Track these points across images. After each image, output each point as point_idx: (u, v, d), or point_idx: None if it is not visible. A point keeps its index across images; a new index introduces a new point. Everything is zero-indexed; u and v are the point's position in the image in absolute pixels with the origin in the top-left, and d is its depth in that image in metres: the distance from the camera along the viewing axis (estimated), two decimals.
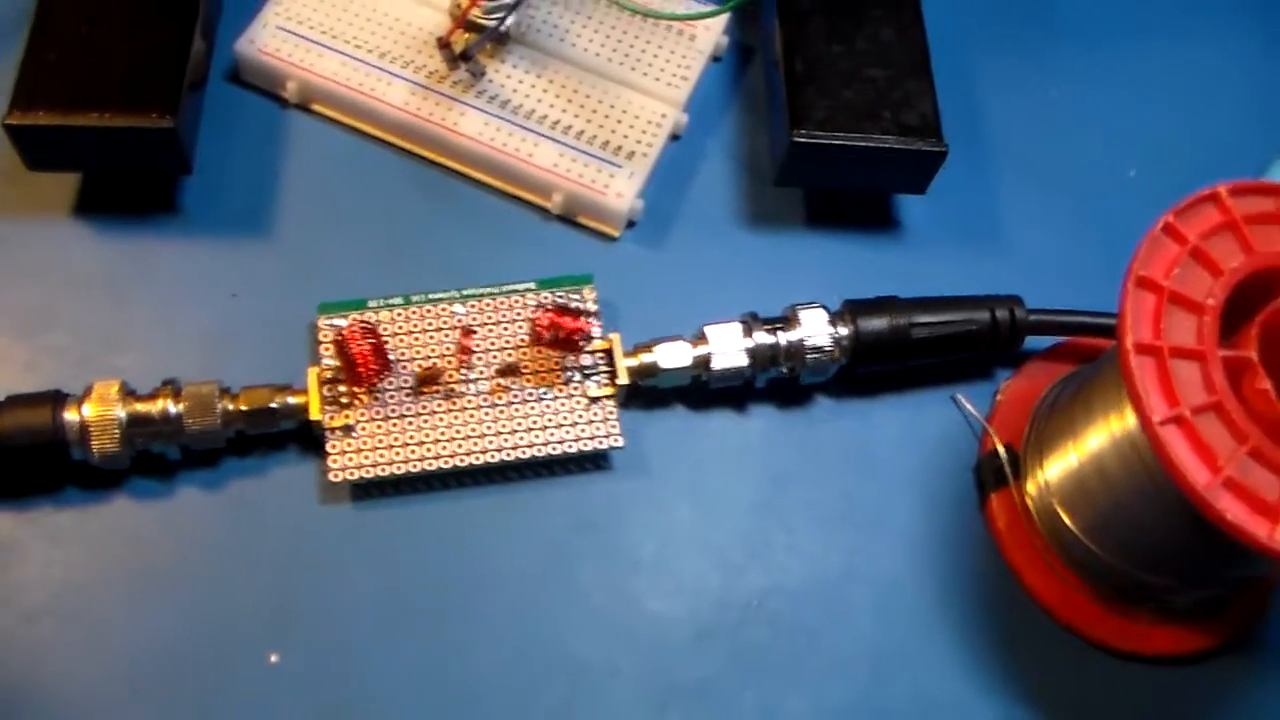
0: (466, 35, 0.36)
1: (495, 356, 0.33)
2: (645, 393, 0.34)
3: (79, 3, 0.34)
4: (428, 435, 0.32)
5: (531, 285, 0.34)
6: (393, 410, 0.32)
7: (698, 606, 0.32)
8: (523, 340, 0.33)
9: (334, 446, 0.32)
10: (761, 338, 0.33)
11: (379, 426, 0.32)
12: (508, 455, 0.32)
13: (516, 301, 0.34)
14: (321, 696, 0.30)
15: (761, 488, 0.34)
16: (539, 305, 0.33)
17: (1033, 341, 0.36)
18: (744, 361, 0.33)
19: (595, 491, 0.33)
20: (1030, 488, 0.33)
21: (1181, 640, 0.33)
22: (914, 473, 0.34)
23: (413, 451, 0.32)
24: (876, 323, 0.34)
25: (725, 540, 0.33)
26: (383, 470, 0.32)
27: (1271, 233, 0.29)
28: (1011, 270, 0.37)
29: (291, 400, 0.32)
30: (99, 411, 0.31)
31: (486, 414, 0.32)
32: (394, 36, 0.38)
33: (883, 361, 0.34)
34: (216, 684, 0.30)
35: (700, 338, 0.33)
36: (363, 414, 0.32)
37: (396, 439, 0.32)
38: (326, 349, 0.33)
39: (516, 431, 0.32)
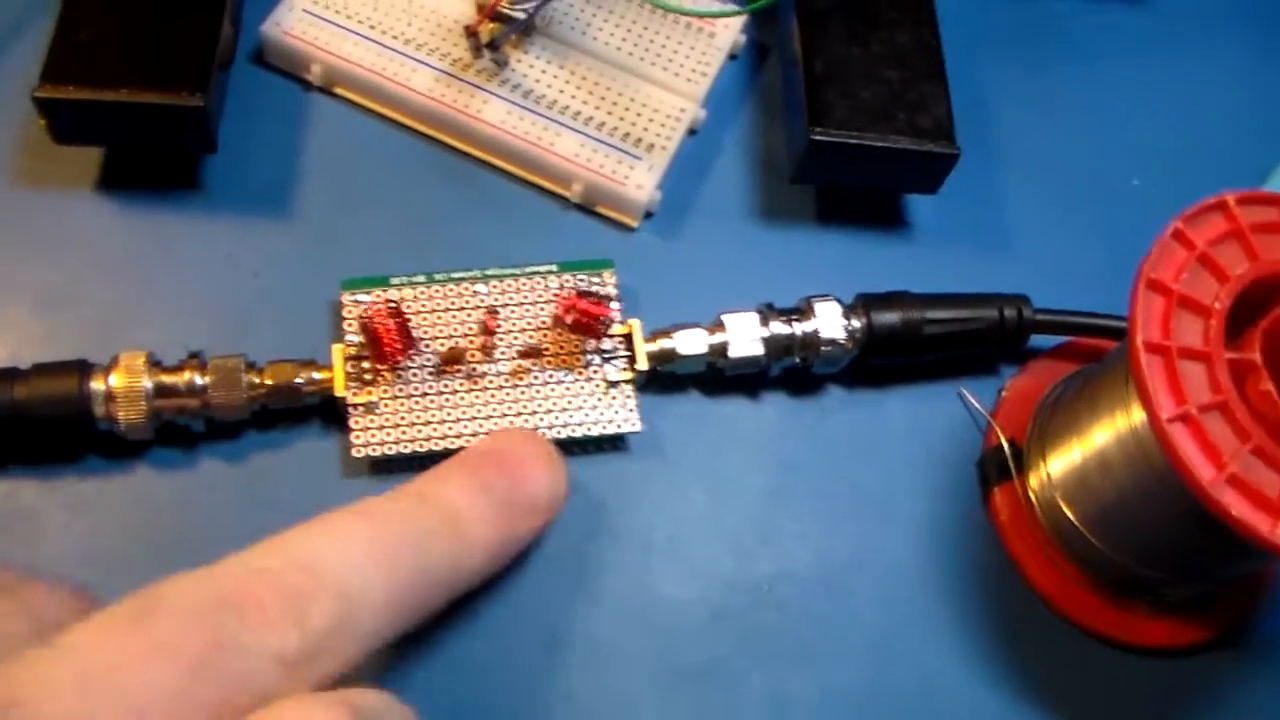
0: (493, 25, 0.36)
1: (516, 338, 0.34)
2: (661, 378, 0.35)
3: None
4: (449, 414, 0.33)
5: (553, 267, 0.35)
6: (415, 388, 0.33)
7: (709, 590, 0.33)
8: (544, 322, 0.34)
9: (357, 423, 0.32)
10: (777, 327, 0.34)
11: (401, 404, 0.32)
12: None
13: (539, 283, 0.34)
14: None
15: (773, 475, 0.34)
16: (561, 287, 0.34)
17: (1037, 340, 0.37)
18: (760, 350, 0.34)
19: (609, 474, 0.34)
20: (1033, 482, 0.34)
21: (1176, 633, 0.34)
22: (920, 464, 0.35)
23: (434, 429, 0.32)
24: (889, 316, 0.35)
25: (737, 525, 0.34)
26: (404, 447, 0.32)
27: (1276, 241, 0.30)
28: (1016, 271, 0.38)
29: (317, 375, 0.32)
30: (126, 382, 0.31)
31: (507, 394, 0.33)
32: (419, 23, 0.38)
33: (893, 354, 0.35)
34: None
35: (718, 325, 0.34)
36: (385, 391, 0.33)
37: (419, 416, 0.32)
38: (350, 324, 0.33)
39: (536, 413, 0.33)
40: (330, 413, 0.33)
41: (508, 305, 0.34)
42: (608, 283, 0.35)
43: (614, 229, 0.37)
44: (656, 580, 0.33)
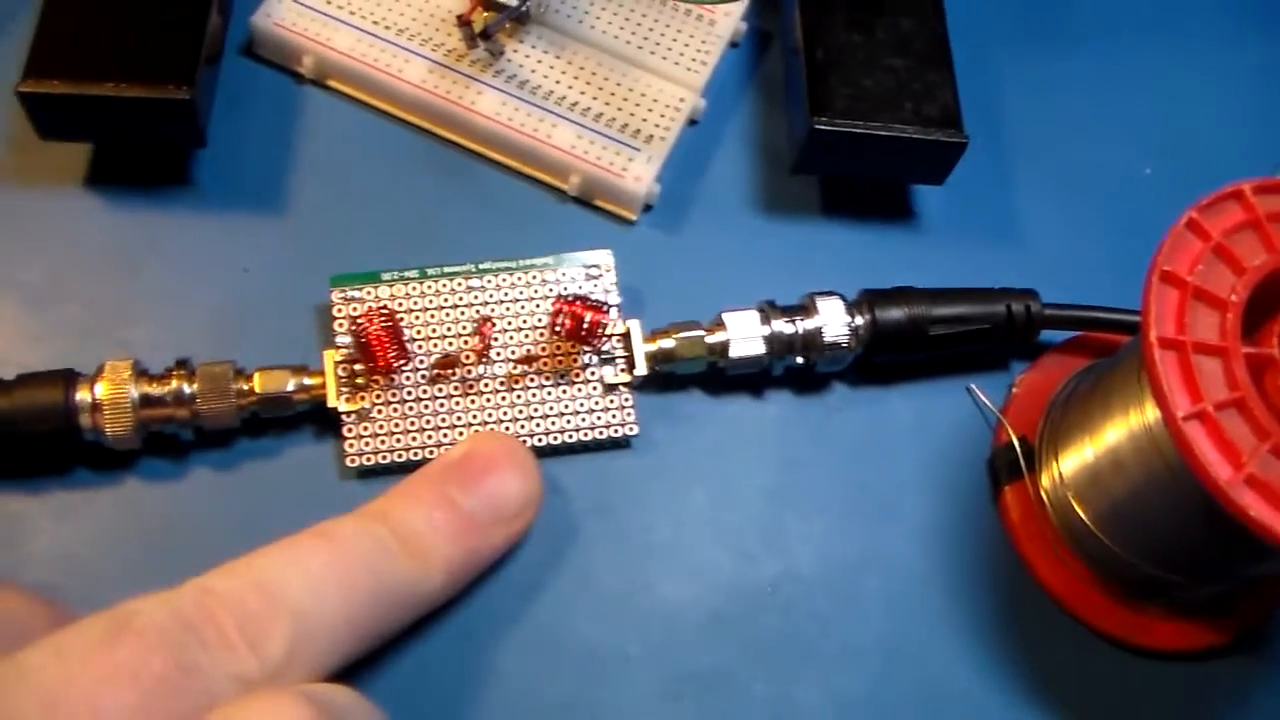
0: (486, 14, 0.36)
1: (511, 337, 0.33)
2: (662, 378, 0.34)
3: None
4: (444, 421, 0.32)
5: (549, 261, 0.34)
6: (409, 394, 0.32)
7: (711, 592, 0.32)
8: (539, 322, 0.33)
9: (350, 431, 0.31)
10: (779, 326, 0.33)
11: (395, 410, 0.32)
12: (524, 443, 0.32)
13: (534, 277, 0.34)
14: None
15: (776, 475, 0.34)
16: (556, 295, 0.33)
17: (1047, 335, 0.36)
18: (761, 349, 0.33)
19: (610, 475, 0.33)
20: (1045, 481, 0.33)
21: (1190, 636, 0.33)
22: (928, 463, 0.34)
23: (429, 437, 0.32)
24: (894, 313, 0.34)
25: (740, 527, 0.33)
26: (399, 456, 0.31)
27: None
28: (1026, 264, 0.37)
29: (308, 381, 0.32)
30: (112, 392, 0.30)
31: (503, 399, 0.32)
32: (412, 13, 0.37)
33: (899, 351, 0.34)
34: None
35: (718, 324, 0.33)
36: (379, 397, 0.32)
37: (413, 424, 0.32)
38: (340, 324, 0.32)
39: (533, 419, 0.32)
40: (322, 418, 0.32)
41: (503, 301, 0.33)
42: (605, 271, 0.34)
43: (612, 222, 0.36)
44: (657, 583, 0.32)
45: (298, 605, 0.25)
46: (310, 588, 0.25)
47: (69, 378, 0.30)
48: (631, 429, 0.32)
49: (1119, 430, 0.31)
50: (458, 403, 0.32)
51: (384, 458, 0.31)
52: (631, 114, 0.36)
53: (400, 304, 0.33)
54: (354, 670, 0.30)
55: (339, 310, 0.33)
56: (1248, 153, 0.40)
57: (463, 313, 0.33)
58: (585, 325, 0.32)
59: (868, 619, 0.32)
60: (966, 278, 0.35)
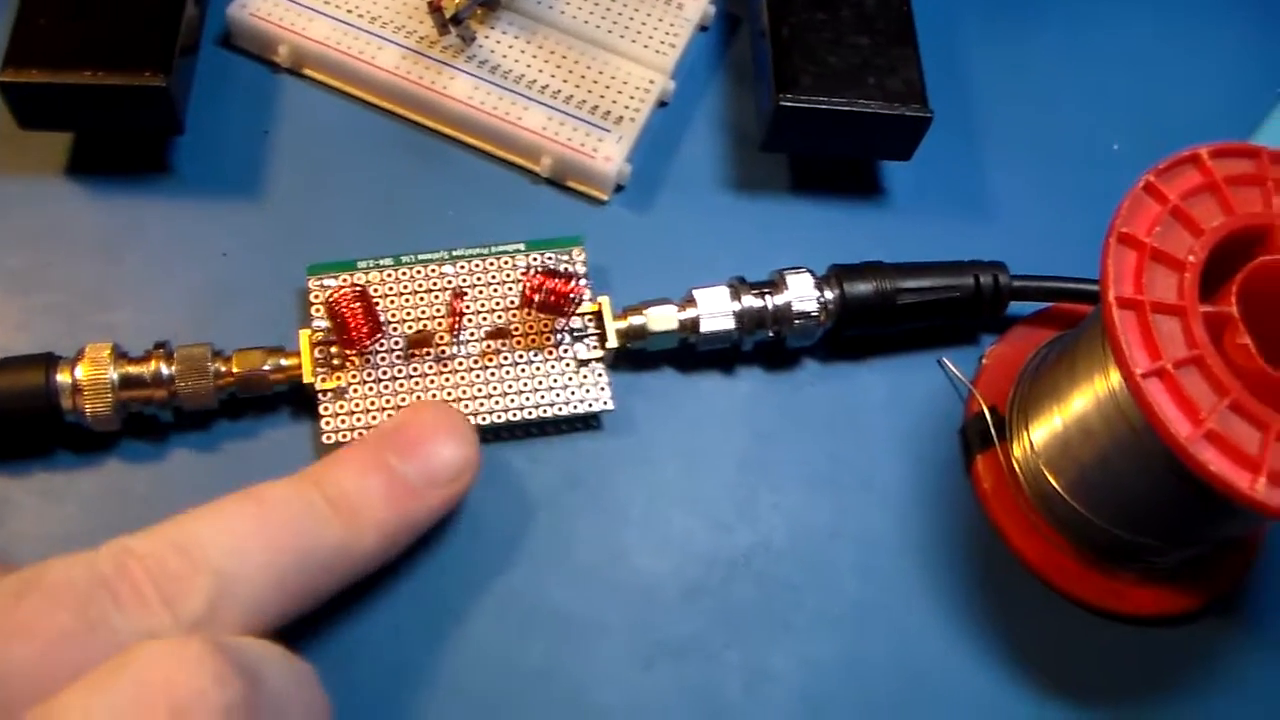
0: (457, 0, 0.36)
1: (485, 319, 0.33)
2: (633, 355, 0.34)
3: None
4: (419, 398, 0.32)
5: (521, 246, 0.34)
6: (384, 373, 0.32)
7: (685, 563, 0.32)
8: (512, 303, 0.34)
9: (326, 408, 0.32)
10: (749, 301, 0.34)
11: (370, 388, 0.32)
12: (498, 418, 0.32)
13: (506, 262, 0.34)
14: (308, 655, 0.30)
15: (749, 448, 0.34)
16: (529, 267, 0.34)
17: (1016, 307, 0.36)
18: (731, 324, 0.33)
19: (584, 450, 0.33)
20: (1016, 449, 0.34)
21: (1164, 601, 0.33)
22: (900, 435, 0.35)
23: None
24: (863, 287, 0.34)
25: (713, 499, 0.33)
26: None
27: (1251, 194, 0.30)
28: (995, 238, 0.37)
29: (284, 362, 0.32)
30: (92, 373, 0.30)
31: (477, 376, 0.33)
32: (385, 1, 0.38)
33: (868, 325, 0.35)
34: None
35: (688, 301, 0.34)
36: (354, 376, 0.32)
37: (389, 401, 0.32)
38: (317, 310, 0.33)
39: (507, 394, 0.33)
40: (300, 399, 0.33)
41: (476, 285, 0.34)
42: (576, 260, 0.34)
43: (584, 203, 0.37)
44: (632, 555, 0.32)
45: (219, 565, 0.25)
46: (233, 547, 0.25)
47: (50, 361, 0.31)
48: (607, 403, 0.33)
49: (1085, 397, 0.31)
50: (432, 380, 0.32)
51: (360, 435, 0.32)
52: (602, 96, 0.37)
53: (376, 290, 0.33)
54: (332, 640, 0.30)
55: (315, 296, 0.33)
56: (1217, 124, 0.40)
57: (437, 297, 0.33)
58: (554, 293, 0.32)
59: (841, 588, 0.33)
60: (936, 252, 0.36)
